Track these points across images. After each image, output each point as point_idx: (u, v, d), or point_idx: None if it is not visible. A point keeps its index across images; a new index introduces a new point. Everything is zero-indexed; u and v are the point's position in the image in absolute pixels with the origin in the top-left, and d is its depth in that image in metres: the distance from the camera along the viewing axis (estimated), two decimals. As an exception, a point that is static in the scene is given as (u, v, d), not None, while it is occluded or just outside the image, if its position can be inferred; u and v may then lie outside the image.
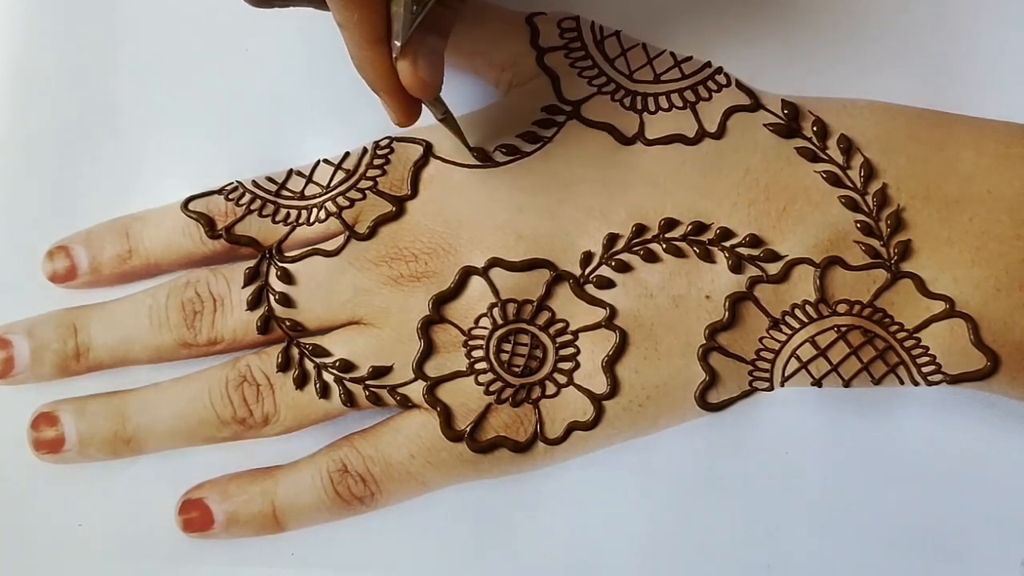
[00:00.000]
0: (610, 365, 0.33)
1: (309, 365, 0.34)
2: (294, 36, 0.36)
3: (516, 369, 0.33)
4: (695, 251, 0.33)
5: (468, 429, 0.33)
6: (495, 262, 0.33)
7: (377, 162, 0.35)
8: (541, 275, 0.33)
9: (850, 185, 0.33)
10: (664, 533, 0.34)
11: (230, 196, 0.35)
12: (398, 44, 0.28)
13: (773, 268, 0.32)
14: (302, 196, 0.35)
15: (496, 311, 0.33)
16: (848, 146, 0.33)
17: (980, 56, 0.35)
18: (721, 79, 0.34)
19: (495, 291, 0.33)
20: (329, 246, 0.34)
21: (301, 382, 0.34)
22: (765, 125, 0.33)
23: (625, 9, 0.35)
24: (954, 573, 0.33)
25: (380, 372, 0.33)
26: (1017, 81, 0.34)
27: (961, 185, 0.32)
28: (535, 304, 0.33)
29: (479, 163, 0.34)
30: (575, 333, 0.33)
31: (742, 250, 0.33)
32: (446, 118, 0.32)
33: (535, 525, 0.34)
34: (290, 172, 0.35)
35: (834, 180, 0.33)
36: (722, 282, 0.33)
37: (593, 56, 0.34)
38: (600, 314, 0.33)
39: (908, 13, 0.35)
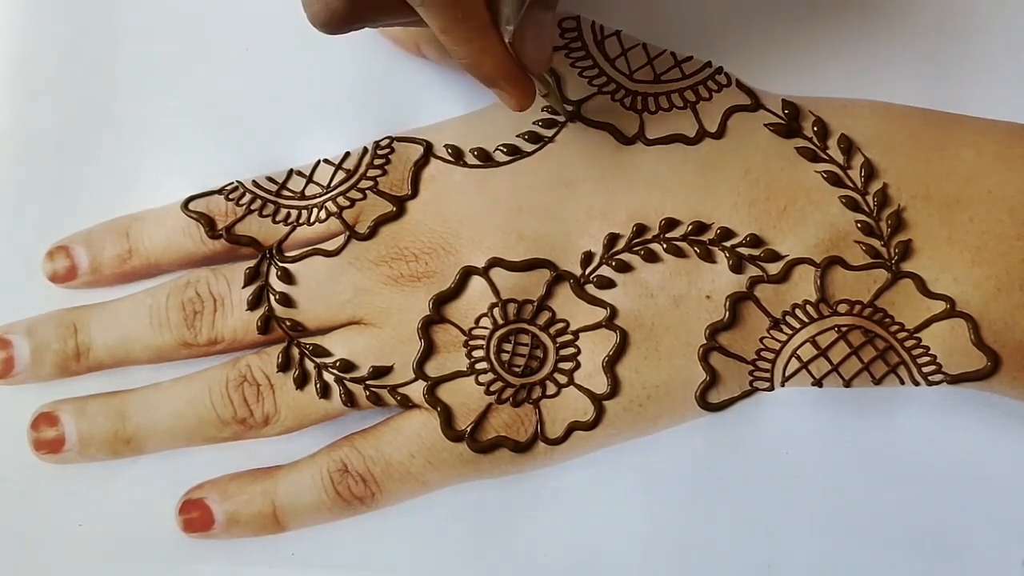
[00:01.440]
0: (611, 365, 0.33)
1: (309, 365, 0.34)
2: (294, 36, 0.36)
3: (516, 369, 0.33)
4: (695, 251, 0.33)
5: (468, 429, 0.33)
6: (495, 262, 0.33)
7: (377, 162, 0.35)
8: (541, 275, 0.33)
9: (850, 185, 0.33)
10: (664, 533, 0.34)
11: (230, 196, 0.35)
12: (511, 28, 0.28)
13: (774, 268, 0.32)
14: (302, 196, 0.35)
15: (496, 311, 0.33)
16: (848, 146, 0.33)
17: (980, 56, 0.35)
18: (721, 79, 0.34)
19: (495, 291, 0.33)
20: (329, 246, 0.34)
21: (301, 382, 0.34)
22: (765, 125, 0.33)
23: (625, 9, 0.35)
24: (954, 573, 0.33)
25: (380, 372, 0.33)
26: (1017, 81, 0.34)
27: (961, 185, 0.32)
28: (535, 304, 0.33)
29: (479, 163, 0.34)
30: (576, 333, 0.33)
31: (743, 250, 0.33)
32: (550, 92, 0.32)
33: (535, 525, 0.34)
34: (290, 172, 0.35)
35: (834, 180, 0.33)
36: (723, 282, 0.33)
37: (594, 56, 0.34)
38: (601, 314, 0.33)
39: (909, 13, 0.35)
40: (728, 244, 0.33)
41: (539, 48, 0.29)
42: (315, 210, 0.34)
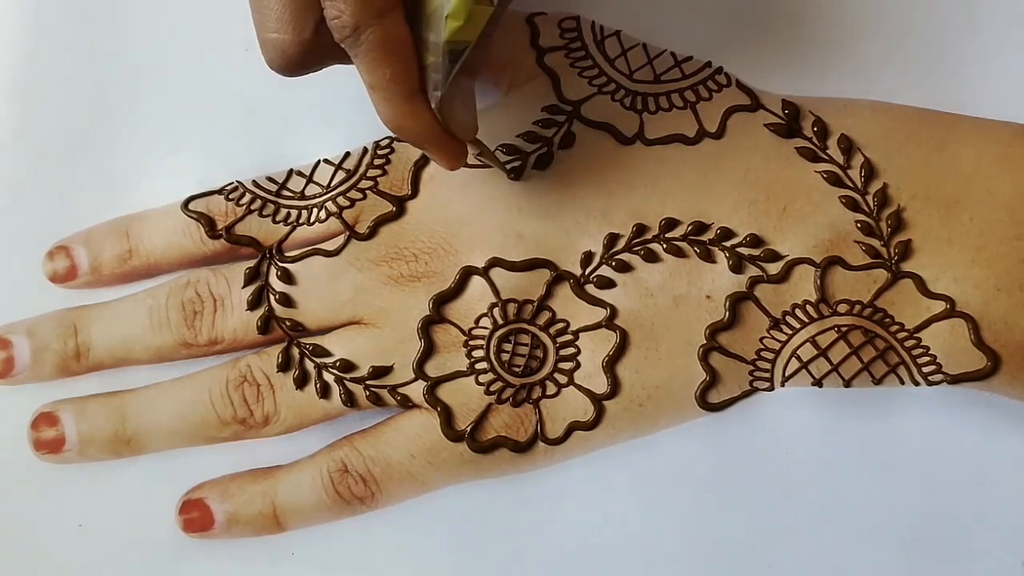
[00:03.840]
0: (610, 365, 0.33)
1: (309, 365, 0.34)
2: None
3: (516, 369, 0.33)
4: (695, 251, 0.33)
5: (468, 429, 0.33)
6: (495, 262, 0.33)
7: (377, 162, 0.35)
8: (541, 275, 0.33)
9: (850, 185, 0.33)
10: (664, 533, 0.34)
11: (230, 196, 0.35)
12: (438, 95, 0.28)
13: (773, 268, 0.32)
14: (302, 196, 0.35)
15: (496, 311, 0.33)
16: (848, 146, 0.33)
17: (980, 56, 0.35)
18: (721, 79, 0.34)
19: (495, 291, 0.33)
20: (329, 246, 0.34)
21: (301, 382, 0.34)
22: (765, 125, 0.33)
23: (625, 9, 0.35)
24: (954, 573, 0.33)
25: (380, 372, 0.33)
26: (1017, 81, 0.34)
27: (961, 185, 0.32)
28: (535, 304, 0.33)
29: (479, 163, 0.34)
30: (575, 333, 0.33)
31: (742, 250, 0.33)
32: (483, 152, 0.32)
33: (535, 525, 0.34)
34: (290, 172, 0.35)
35: (834, 180, 0.33)
36: (722, 282, 0.33)
37: (593, 56, 0.34)
38: (601, 314, 0.33)
39: (908, 13, 0.35)
40: (728, 244, 0.33)
41: (466, 114, 0.29)
42: (315, 210, 0.34)
